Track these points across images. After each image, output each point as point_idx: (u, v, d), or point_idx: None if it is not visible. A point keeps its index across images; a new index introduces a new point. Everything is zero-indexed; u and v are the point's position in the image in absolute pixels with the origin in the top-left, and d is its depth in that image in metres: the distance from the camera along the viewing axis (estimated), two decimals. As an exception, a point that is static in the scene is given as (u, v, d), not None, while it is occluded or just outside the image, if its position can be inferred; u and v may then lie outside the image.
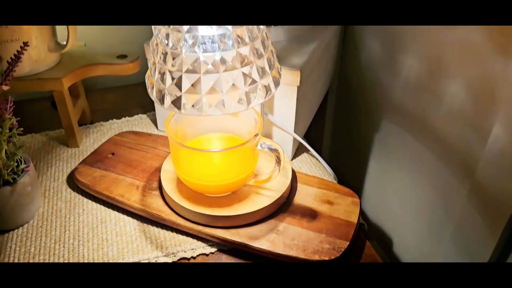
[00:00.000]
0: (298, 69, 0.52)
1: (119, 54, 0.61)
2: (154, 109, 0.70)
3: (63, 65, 0.59)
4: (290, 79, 0.53)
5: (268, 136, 0.60)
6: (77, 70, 0.58)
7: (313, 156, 0.62)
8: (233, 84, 0.40)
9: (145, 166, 0.57)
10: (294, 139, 0.59)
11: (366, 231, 0.53)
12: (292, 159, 0.62)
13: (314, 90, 0.65)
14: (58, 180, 0.58)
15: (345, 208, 0.51)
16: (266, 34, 0.42)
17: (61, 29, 0.59)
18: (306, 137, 0.68)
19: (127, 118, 0.70)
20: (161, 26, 0.40)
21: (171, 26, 0.39)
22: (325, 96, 0.82)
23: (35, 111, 0.73)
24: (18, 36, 0.52)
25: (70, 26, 0.55)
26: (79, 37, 0.70)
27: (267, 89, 0.42)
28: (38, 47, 0.55)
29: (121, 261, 0.47)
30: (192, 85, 0.40)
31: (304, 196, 0.53)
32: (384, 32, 0.67)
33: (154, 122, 0.69)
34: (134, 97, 0.77)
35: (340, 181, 0.61)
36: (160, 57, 0.40)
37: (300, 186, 0.54)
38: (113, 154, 0.60)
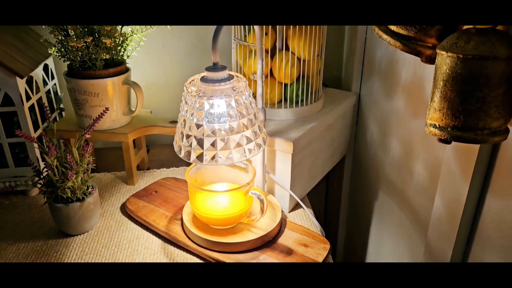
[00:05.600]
0: (292, 141, 0.70)
1: (172, 120, 0.84)
2: (195, 163, 0.91)
3: (131, 125, 0.82)
4: (286, 148, 0.71)
5: (271, 191, 0.77)
6: (139, 129, 0.81)
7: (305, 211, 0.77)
8: (238, 143, 0.58)
9: (176, 203, 0.76)
10: (291, 196, 0.75)
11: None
12: (289, 211, 0.77)
13: (316, 159, 0.81)
14: (114, 206, 0.79)
15: (316, 251, 0.65)
16: (255, 111, 0.61)
17: (134, 99, 0.83)
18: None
19: (174, 168, 0.91)
20: (187, 107, 0.59)
21: (196, 107, 0.58)
22: (341, 163, 0.97)
23: (112, 156, 0.97)
24: (104, 103, 0.77)
25: (139, 99, 0.79)
26: (148, 105, 0.95)
27: (258, 147, 0.60)
28: (116, 111, 0.80)
29: (143, 266, 0.64)
30: (211, 144, 0.58)
31: (287, 238, 0.68)
32: (379, 117, 0.83)
33: (193, 173, 0.89)
34: (184, 153, 0.99)
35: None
36: (189, 128, 0.59)
37: (286, 231, 0.69)
38: (156, 192, 0.80)
